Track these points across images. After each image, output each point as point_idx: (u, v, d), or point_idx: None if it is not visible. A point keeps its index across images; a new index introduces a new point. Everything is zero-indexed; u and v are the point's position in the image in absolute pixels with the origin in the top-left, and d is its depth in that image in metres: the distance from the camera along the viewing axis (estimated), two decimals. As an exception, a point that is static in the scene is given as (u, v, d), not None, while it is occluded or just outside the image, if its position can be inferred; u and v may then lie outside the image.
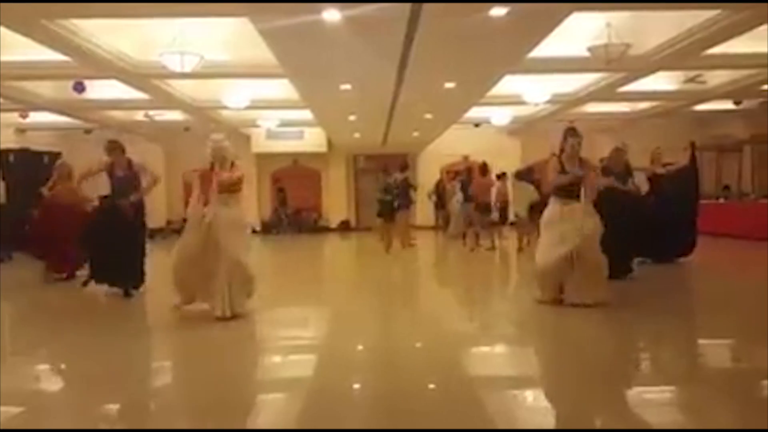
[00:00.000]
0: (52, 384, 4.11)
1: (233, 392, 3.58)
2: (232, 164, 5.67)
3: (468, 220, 12.43)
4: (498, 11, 6.38)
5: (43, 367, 4.38)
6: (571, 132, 5.83)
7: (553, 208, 5.76)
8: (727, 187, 15.87)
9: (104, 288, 6.81)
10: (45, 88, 11.91)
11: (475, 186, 12.18)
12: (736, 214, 12.76)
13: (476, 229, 11.98)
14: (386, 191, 11.82)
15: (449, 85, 10.03)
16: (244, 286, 5.46)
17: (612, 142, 17.18)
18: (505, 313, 6.28)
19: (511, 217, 13.17)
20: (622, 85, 11.54)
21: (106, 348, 4.64)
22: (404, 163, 12.83)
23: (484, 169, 12.07)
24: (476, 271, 9.77)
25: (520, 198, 11.59)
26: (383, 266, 10.39)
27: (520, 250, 11.26)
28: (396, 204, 11.71)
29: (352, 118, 13.26)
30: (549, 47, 8.27)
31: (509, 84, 11.14)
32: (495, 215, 12.02)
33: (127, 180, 6.80)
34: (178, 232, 6.48)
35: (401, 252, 11.34)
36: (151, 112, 14.66)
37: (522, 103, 12.75)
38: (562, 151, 5.82)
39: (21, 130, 15.90)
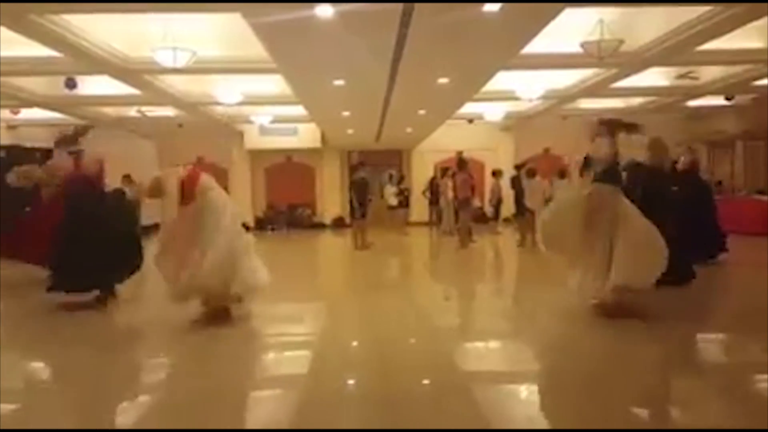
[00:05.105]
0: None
1: (228, 390, 3.58)
2: None
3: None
4: (491, 7, 6.38)
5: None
6: None
7: None
8: (719, 183, 15.94)
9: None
10: (36, 84, 11.83)
11: (455, 181, 12.07)
12: (729, 210, 12.81)
13: (463, 226, 11.64)
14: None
15: (443, 80, 10.02)
16: None
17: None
18: (500, 307, 6.29)
19: (506, 213, 13.17)
20: (615, 80, 11.56)
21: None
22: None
23: (460, 163, 11.81)
24: (467, 266, 9.77)
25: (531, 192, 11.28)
26: (379, 262, 10.39)
27: (521, 245, 11.24)
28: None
29: (345, 113, 13.22)
30: (542, 43, 8.29)
31: (503, 80, 11.14)
32: (487, 210, 11.75)
33: None
34: None
35: (400, 247, 11.32)
36: (143, 108, 14.58)
37: (515, 98, 12.75)
38: None
39: (12, 127, 15.80)
